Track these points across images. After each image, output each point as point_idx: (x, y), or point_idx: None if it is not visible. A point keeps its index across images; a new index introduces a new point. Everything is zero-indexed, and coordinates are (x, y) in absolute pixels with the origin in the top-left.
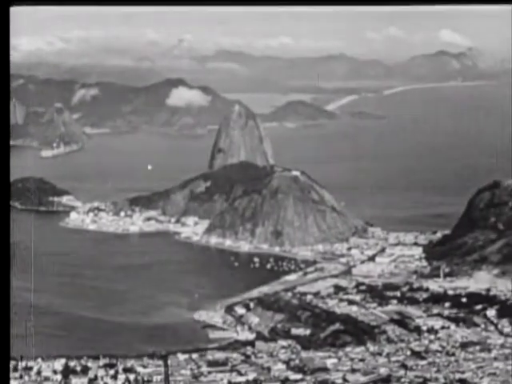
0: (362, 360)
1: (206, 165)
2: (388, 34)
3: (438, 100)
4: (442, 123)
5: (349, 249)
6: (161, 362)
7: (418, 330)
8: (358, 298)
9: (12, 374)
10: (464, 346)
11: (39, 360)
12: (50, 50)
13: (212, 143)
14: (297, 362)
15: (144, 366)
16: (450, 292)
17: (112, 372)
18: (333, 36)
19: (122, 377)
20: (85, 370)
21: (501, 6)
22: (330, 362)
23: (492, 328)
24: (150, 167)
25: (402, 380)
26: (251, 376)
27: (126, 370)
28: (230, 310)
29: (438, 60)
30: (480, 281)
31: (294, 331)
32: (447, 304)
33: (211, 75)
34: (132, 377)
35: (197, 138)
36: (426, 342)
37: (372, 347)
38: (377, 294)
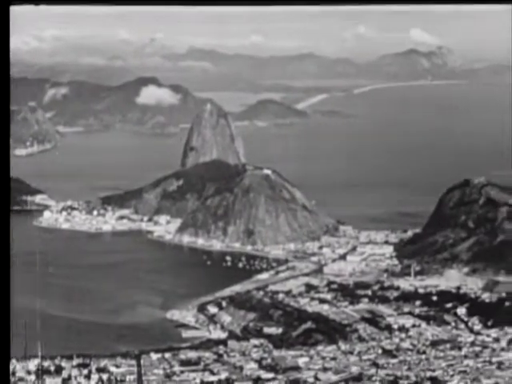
0: (333, 359)
1: (179, 163)
2: (357, 33)
3: (408, 99)
4: (412, 122)
5: (320, 247)
6: (134, 362)
7: (388, 328)
8: (329, 296)
9: None
10: (434, 344)
11: (13, 361)
12: (26, 49)
13: (184, 142)
14: (269, 360)
15: (117, 366)
16: (421, 290)
17: (85, 372)
18: (303, 35)
19: (95, 376)
20: (58, 370)
21: (471, 6)
22: (301, 361)
23: (462, 326)
24: None
25: (373, 378)
26: (223, 375)
27: (100, 370)
28: (202, 309)
29: (407, 59)
30: (450, 279)
31: (266, 330)
32: (418, 302)
33: (183, 74)
34: (105, 376)
35: (169, 137)
36: (397, 340)
37: (343, 346)
38: (348, 292)
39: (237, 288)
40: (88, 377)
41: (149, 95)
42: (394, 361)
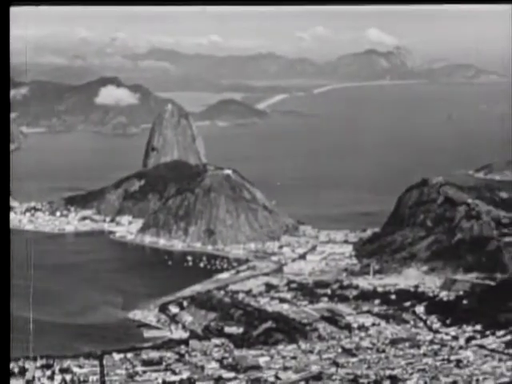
0: (293, 358)
1: (140, 164)
2: (315, 33)
3: (367, 98)
4: (371, 121)
5: (280, 247)
6: (97, 362)
7: (348, 327)
8: (289, 295)
9: None
10: (394, 342)
11: None
12: None
13: (146, 142)
14: (230, 360)
15: (80, 367)
16: (380, 289)
17: (49, 373)
18: (262, 35)
19: (58, 377)
20: (22, 372)
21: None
22: (262, 360)
23: (421, 324)
24: None
25: (333, 377)
26: (185, 375)
27: (63, 371)
28: (164, 308)
29: (366, 59)
30: (409, 278)
31: (227, 329)
32: (377, 301)
33: (144, 74)
34: (68, 377)
35: (130, 137)
36: (357, 339)
37: (303, 345)
38: (308, 291)
39: (198, 288)
40: (51, 378)
41: (110, 95)
42: (354, 360)
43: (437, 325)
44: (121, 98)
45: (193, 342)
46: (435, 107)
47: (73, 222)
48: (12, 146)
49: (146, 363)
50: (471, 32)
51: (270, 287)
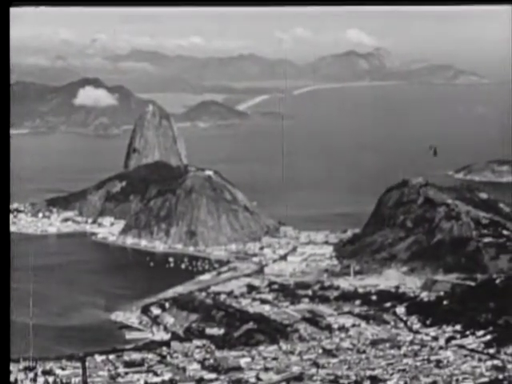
0: (274, 359)
1: (122, 165)
2: (295, 34)
3: (347, 99)
4: (351, 122)
5: (261, 248)
6: (79, 364)
7: (329, 328)
8: (270, 297)
9: None
10: (374, 343)
11: None
12: None
13: (127, 143)
14: (211, 361)
15: (63, 368)
16: (360, 290)
17: (31, 375)
18: (243, 36)
19: (41, 379)
20: None
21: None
22: (243, 361)
23: (401, 325)
24: None
25: (314, 378)
26: (167, 376)
27: (45, 373)
28: (145, 310)
29: (346, 60)
30: (389, 278)
31: (209, 331)
32: (357, 302)
33: (125, 75)
34: (51, 379)
35: (112, 138)
36: (337, 339)
37: (284, 346)
38: (289, 292)
39: (179, 289)
40: (34, 380)
41: (92, 97)
42: (335, 360)
43: (417, 325)
44: (102, 99)
45: (174, 344)
46: (414, 108)
47: (55, 223)
48: None
49: (127, 365)
50: (451, 33)
51: (251, 288)
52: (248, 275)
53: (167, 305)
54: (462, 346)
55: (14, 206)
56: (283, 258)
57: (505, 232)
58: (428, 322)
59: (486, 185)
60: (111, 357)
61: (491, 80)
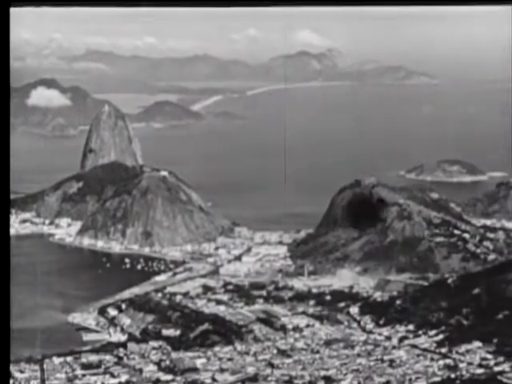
0: (230, 359)
1: (78, 165)
2: (248, 34)
3: (299, 100)
4: (304, 123)
5: (216, 248)
6: (37, 367)
7: (283, 328)
8: (225, 297)
9: None
10: (328, 343)
11: None
12: None
13: (83, 143)
14: (167, 362)
15: (21, 371)
16: (314, 290)
17: None
18: (196, 37)
19: None
20: None
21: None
22: (199, 362)
23: (355, 325)
24: None
25: (269, 378)
26: (123, 378)
27: None
28: (102, 311)
29: (298, 60)
30: (343, 279)
31: (165, 332)
32: (311, 302)
33: (81, 75)
34: (10, 382)
35: (69, 139)
36: (292, 340)
37: (239, 346)
38: (243, 293)
39: (136, 290)
40: None
41: (48, 97)
42: (289, 361)
43: (370, 325)
44: (58, 100)
45: (131, 345)
46: (365, 109)
47: (14, 224)
48: None
49: (85, 367)
50: (402, 34)
51: (206, 289)
52: (203, 276)
53: (124, 306)
54: (414, 346)
55: None
56: (238, 258)
57: (456, 231)
58: (381, 322)
59: (437, 184)
60: (69, 359)
61: (442, 80)
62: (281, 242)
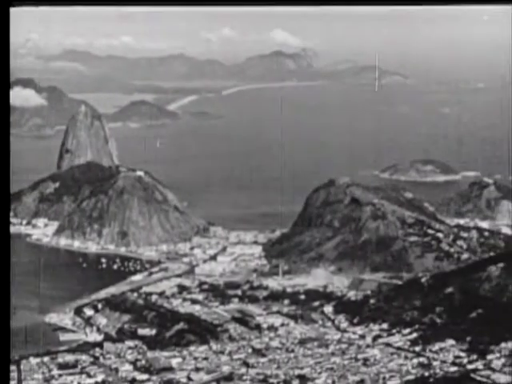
0: (205, 359)
1: (55, 165)
2: (222, 34)
3: (274, 99)
4: (279, 122)
5: (191, 248)
6: (14, 367)
7: (258, 327)
8: (200, 297)
9: None
10: (303, 342)
11: None
12: None
13: (60, 143)
14: (143, 362)
15: None
16: (289, 289)
17: None
18: (172, 36)
19: None
20: None
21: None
22: (175, 362)
23: (329, 324)
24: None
25: (244, 378)
26: (100, 377)
27: None
28: (79, 311)
29: (273, 60)
30: (317, 278)
31: (140, 331)
32: (286, 301)
33: (57, 75)
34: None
35: (46, 139)
36: (267, 339)
37: (215, 346)
38: (219, 292)
39: (112, 290)
40: None
41: (25, 97)
42: (264, 360)
43: (344, 324)
44: (35, 100)
45: (107, 345)
46: (339, 108)
47: None
48: None
49: (61, 367)
50: (377, 33)
51: (182, 288)
52: (179, 275)
53: (100, 306)
54: (388, 344)
55: None
56: (213, 258)
57: (430, 231)
58: (355, 321)
59: (411, 184)
60: (46, 359)
61: (415, 80)
62: (256, 242)
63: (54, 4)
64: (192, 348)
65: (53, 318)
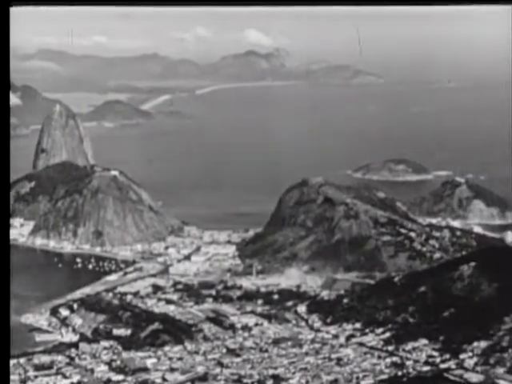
0: (180, 359)
1: (31, 165)
2: (196, 34)
3: (248, 99)
4: (252, 121)
5: (166, 248)
6: None
7: (232, 327)
8: (175, 297)
9: None
10: (276, 342)
11: None
12: None
13: (35, 143)
14: (118, 362)
15: None
16: (263, 289)
17: None
18: (146, 36)
19: None
20: None
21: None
22: (149, 362)
23: (303, 323)
24: None
25: (218, 378)
26: (75, 378)
27: None
28: (54, 312)
29: (247, 60)
30: (291, 277)
31: (116, 332)
32: (260, 301)
33: (32, 74)
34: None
35: (21, 138)
36: (241, 339)
37: (189, 346)
38: (193, 292)
39: (87, 290)
40: None
41: None
42: (238, 360)
43: (318, 324)
44: (12, 99)
45: (82, 345)
46: (311, 108)
47: None
48: None
49: (37, 368)
50: (350, 33)
51: (156, 288)
52: (153, 275)
53: (75, 306)
54: (361, 344)
55: None
56: (187, 257)
57: (402, 230)
58: (328, 321)
59: (383, 184)
60: (22, 360)
61: (389, 80)
62: (229, 242)
63: (53, 4)
64: (167, 348)
65: (29, 318)
